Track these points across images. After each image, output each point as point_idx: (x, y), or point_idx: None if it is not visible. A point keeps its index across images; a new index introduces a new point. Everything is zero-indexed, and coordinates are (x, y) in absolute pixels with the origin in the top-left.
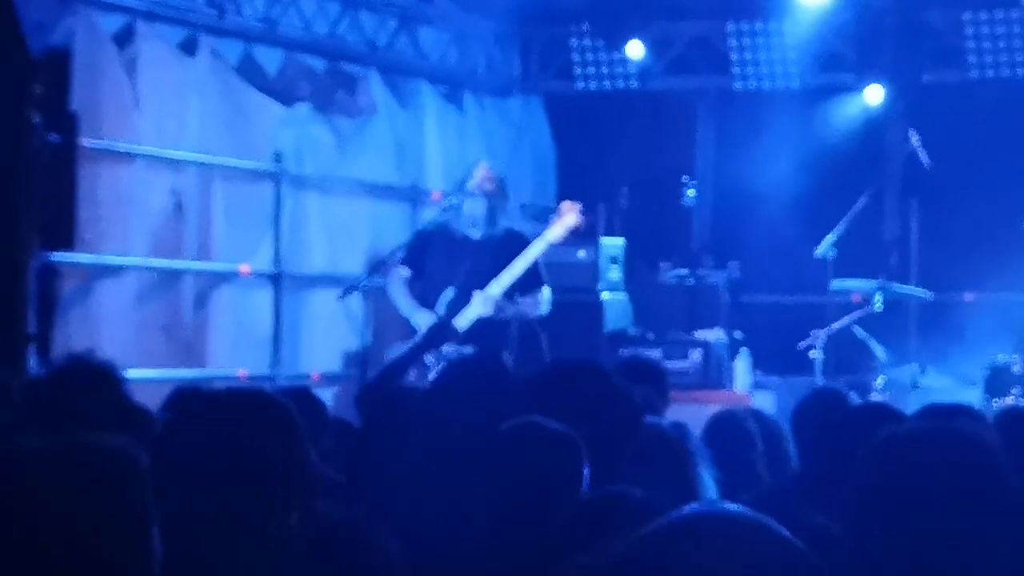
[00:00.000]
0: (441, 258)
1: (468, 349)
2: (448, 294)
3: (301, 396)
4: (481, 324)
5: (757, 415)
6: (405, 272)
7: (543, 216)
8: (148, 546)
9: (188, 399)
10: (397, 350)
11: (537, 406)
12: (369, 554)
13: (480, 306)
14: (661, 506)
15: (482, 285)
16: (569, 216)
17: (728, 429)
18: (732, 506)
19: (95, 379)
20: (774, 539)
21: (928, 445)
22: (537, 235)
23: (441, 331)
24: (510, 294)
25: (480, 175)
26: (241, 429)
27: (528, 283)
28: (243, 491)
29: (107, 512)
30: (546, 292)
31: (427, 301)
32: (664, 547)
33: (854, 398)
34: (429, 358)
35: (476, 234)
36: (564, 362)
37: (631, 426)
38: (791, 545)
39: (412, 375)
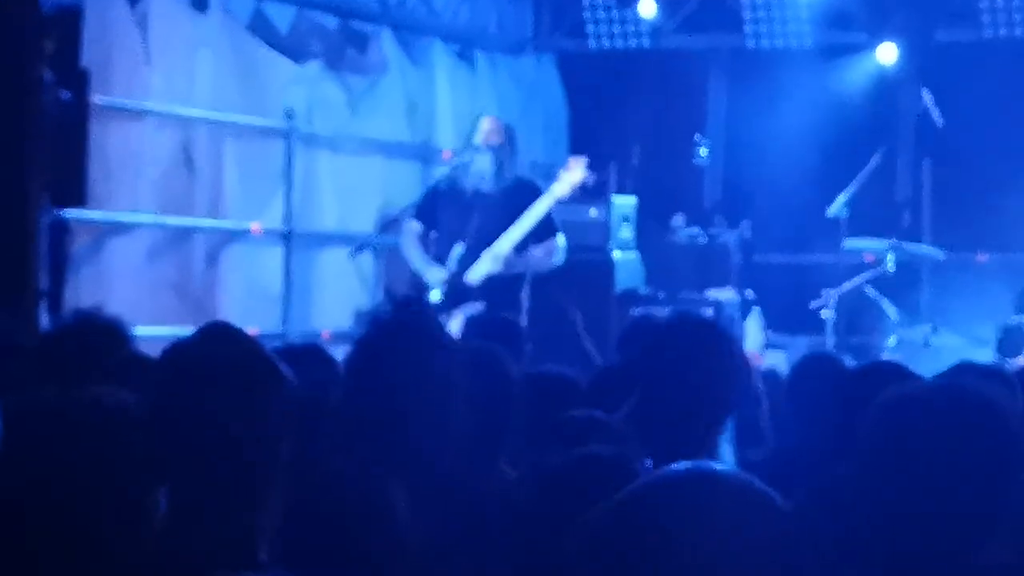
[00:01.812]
0: (452, 213)
1: (479, 306)
2: (459, 249)
3: (311, 352)
4: (493, 281)
5: (764, 374)
6: (417, 227)
7: (555, 175)
8: (150, 498)
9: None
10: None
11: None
12: (377, 504)
13: (489, 263)
14: (632, 464)
15: (493, 239)
16: (575, 171)
17: None
18: (716, 465)
19: (103, 336)
20: (757, 498)
21: (936, 403)
22: (547, 187)
23: (452, 288)
24: (522, 247)
25: (486, 129)
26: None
27: (540, 233)
28: (231, 426)
29: (111, 466)
30: (560, 239)
31: (439, 257)
32: (646, 506)
33: (848, 361)
34: (443, 315)
35: (486, 188)
36: (680, 318)
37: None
38: (774, 504)
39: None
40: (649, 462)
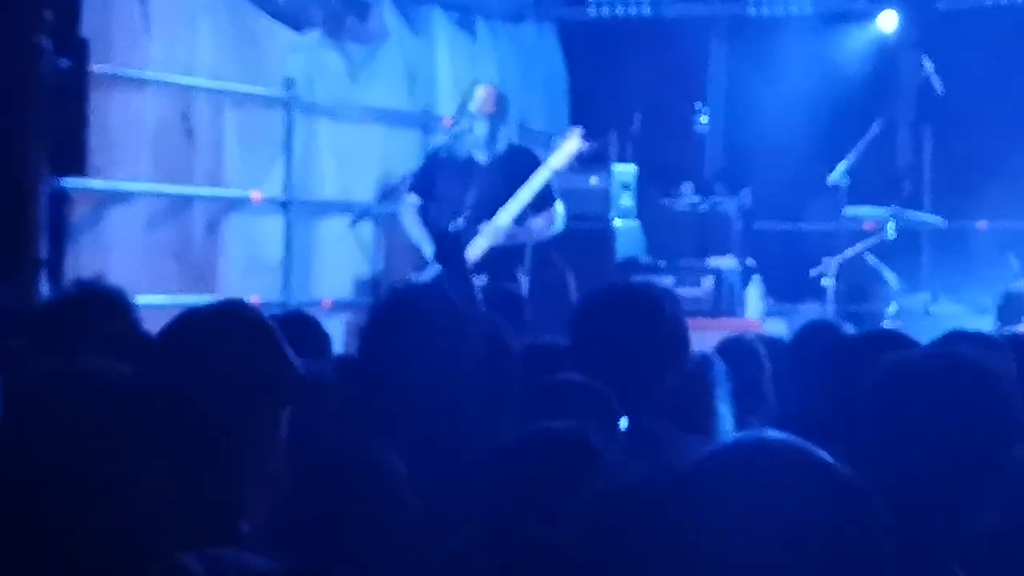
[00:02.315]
0: (449, 183)
1: (482, 279)
2: (459, 223)
3: (297, 320)
4: (494, 252)
5: (766, 339)
6: (415, 199)
7: (554, 143)
8: (150, 470)
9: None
10: (416, 278)
11: (582, 334)
12: (377, 477)
13: (489, 237)
14: (589, 440)
15: (492, 209)
16: (572, 141)
17: (737, 353)
18: (779, 435)
19: (104, 305)
20: (825, 469)
21: (932, 371)
22: (545, 156)
23: (451, 259)
24: (521, 218)
25: (480, 96)
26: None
27: (540, 202)
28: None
29: (110, 439)
30: (559, 207)
31: (438, 227)
32: (711, 479)
33: (849, 329)
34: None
35: (482, 157)
36: (611, 288)
37: (677, 352)
38: (842, 473)
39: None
40: (625, 421)
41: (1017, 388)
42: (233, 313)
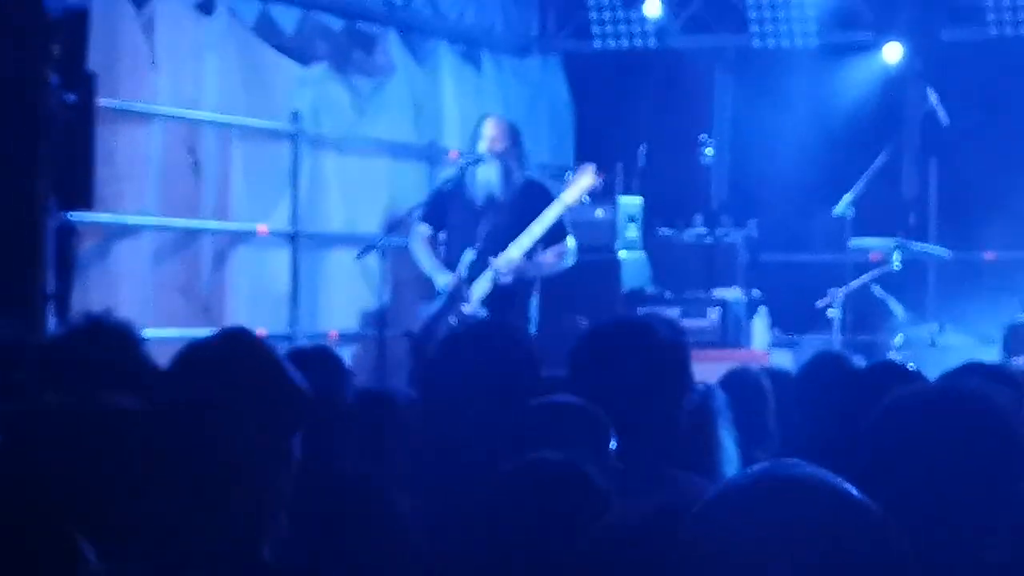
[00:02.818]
0: (461, 216)
1: (482, 312)
2: (469, 255)
3: (319, 354)
4: (502, 287)
5: (771, 372)
6: (425, 230)
7: (561, 176)
8: (152, 500)
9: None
10: (425, 309)
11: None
12: (381, 510)
13: (501, 272)
14: (582, 469)
15: (504, 243)
16: (585, 177)
17: (740, 385)
18: (801, 466)
19: (113, 339)
20: (847, 500)
21: (940, 405)
22: (557, 194)
23: (460, 293)
24: (532, 252)
25: (489, 135)
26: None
27: (551, 236)
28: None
29: (113, 470)
30: (571, 242)
31: (449, 261)
32: (731, 512)
33: (857, 360)
34: (452, 319)
35: (495, 191)
36: (610, 322)
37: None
38: (863, 505)
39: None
40: (614, 443)
41: None
42: (235, 341)
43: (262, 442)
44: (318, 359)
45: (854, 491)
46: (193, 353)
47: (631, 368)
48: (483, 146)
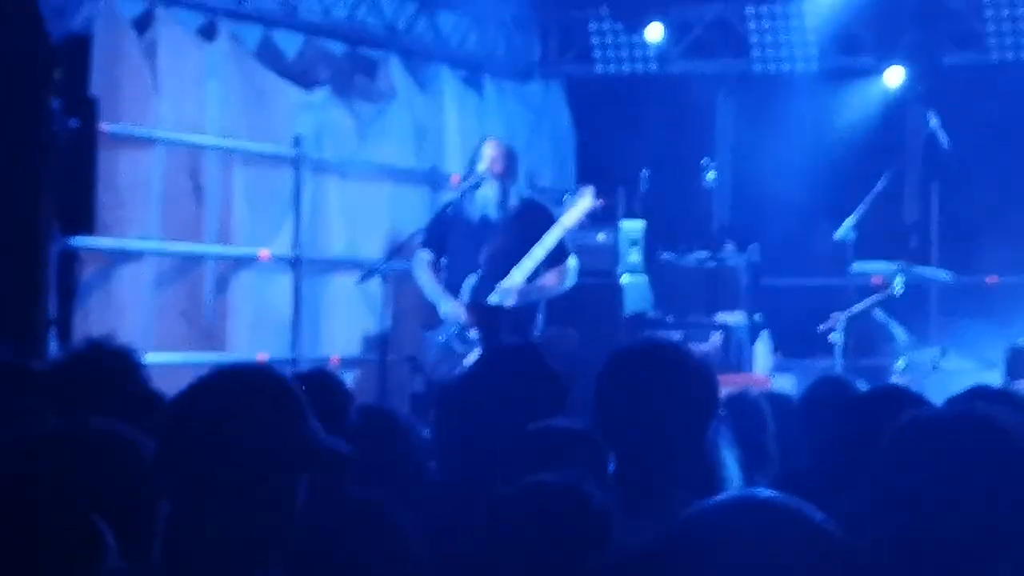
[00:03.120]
0: (462, 241)
1: (475, 333)
2: (471, 280)
3: (321, 378)
4: (506, 311)
5: (771, 396)
6: (428, 255)
7: (562, 200)
8: (147, 527)
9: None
10: (431, 336)
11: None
12: (388, 534)
13: (503, 297)
14: (585, 492)
15: (506, 266)
16: (584, 200)
17: (740, 410)
18: (766, 492)
19: (113, 364)
20: (809, 526)
21: (951, 430)
22: (558, 213)
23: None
24: (534, 275)
25: (488, 156)
26: (237, 401)
27: (553, 258)
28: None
29: (108, 496)
30: (572, 262)
31: (452, 285)
32: (699, 536)
33: (860, 385)
34: (458, 345)
35: (494, 214)
36: (641, 345)
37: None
38: (826, 531)
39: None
40: (612, 464)
41: None
42: (261, 376)
43: (266, 481)
44: (320, 382)
45: (818, 517)
46: (215, 381)
47: (662, 392)
48: (482, 167)
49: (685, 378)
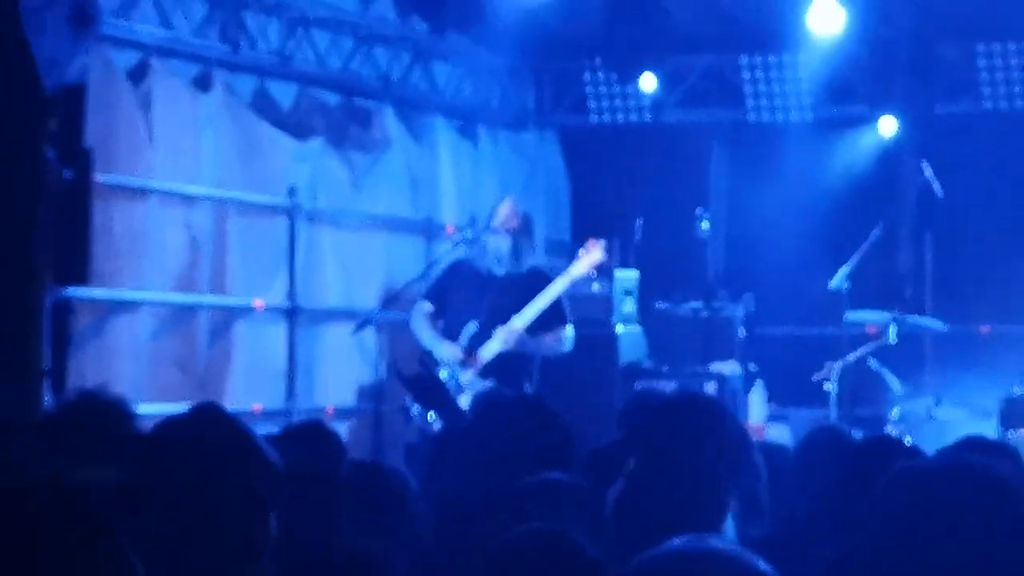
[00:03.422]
0: (465, 293)
1: (488, 383)
2: (471, 327)
3: (314, 430)
4: (503, 358)
5: (764, 446)
6: (428, 308)
7: (557, 250)
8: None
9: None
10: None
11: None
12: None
13: (502, 341)
14: (577, 541)
15: (505, 321)
16: (595, 252)
17: None
18: (714, 542)
19: (105, 414)
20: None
21: (943, 480)
22: (558, 270)
23: (462, 363)
24: (532, 330)
25: (505, 212)
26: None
27: (551, 319)
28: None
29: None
30: (569, 330)
31: (450, 335)
32: None
33: (855, 435)
34: (454, 389)
35: (500, 270)
36: (680, 397)
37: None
38: None
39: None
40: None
41: None
42: (206, 419)
43: (231, 519)
44: (314, 435)
45: (762, 566)
46: (164, 429)
47: (701, 446)
48: (498, 221)
49: (723, 433)
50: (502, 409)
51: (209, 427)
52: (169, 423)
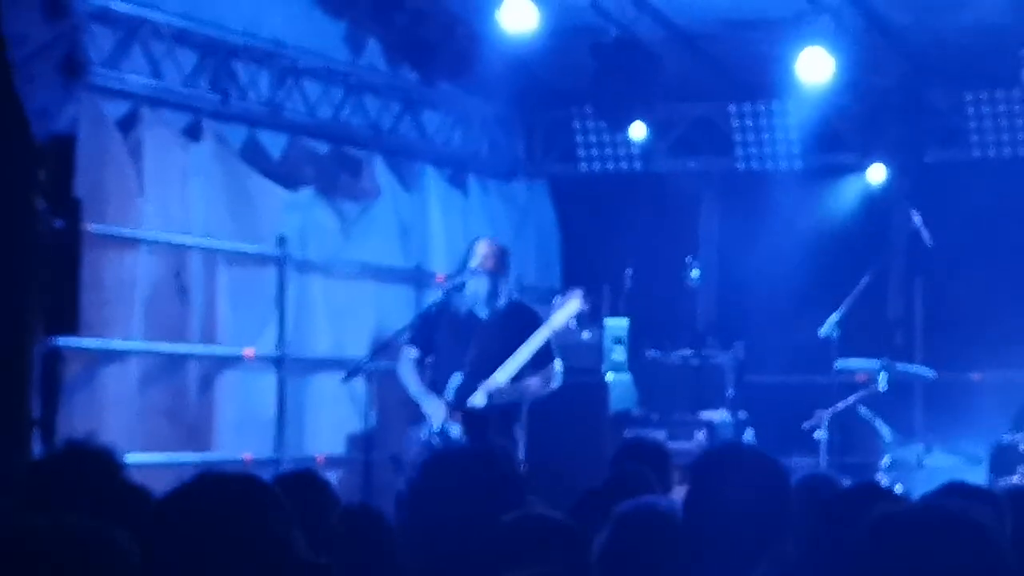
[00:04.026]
0: (448, 338)
1: (466, 436)
2: (456, 379)
3: (305, 479)
4: (490, 409)
5: None
6: (414, 353)
7: (548, 299)
8: None
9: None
10: (414, 433)
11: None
12: None
13: (486, 395)
14: None
15: (492, 366)
16: (572, 302)
17: None
18: None
19: (94, 464)
20: None
21: (922, 525)
22: (545, 314)
23: (448, 418)
24: (519, 376)
25: (481, 253)
26: (223, 509)
27: (538, 361)
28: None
29: None
30: (558, 364)
31: (436, 383)
32: None
33: (844, 482)
34: (437, 443)
35: (482, 312)
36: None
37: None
38: None
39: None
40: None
41: (1009, 541)
42: (246, 483)
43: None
44: (304, 484)
45: None
46: (202, 486)
47: (757, 497)
48: (475, 262)
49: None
50: (452, 464)
51: (243, 491)
52: (198, 485)
